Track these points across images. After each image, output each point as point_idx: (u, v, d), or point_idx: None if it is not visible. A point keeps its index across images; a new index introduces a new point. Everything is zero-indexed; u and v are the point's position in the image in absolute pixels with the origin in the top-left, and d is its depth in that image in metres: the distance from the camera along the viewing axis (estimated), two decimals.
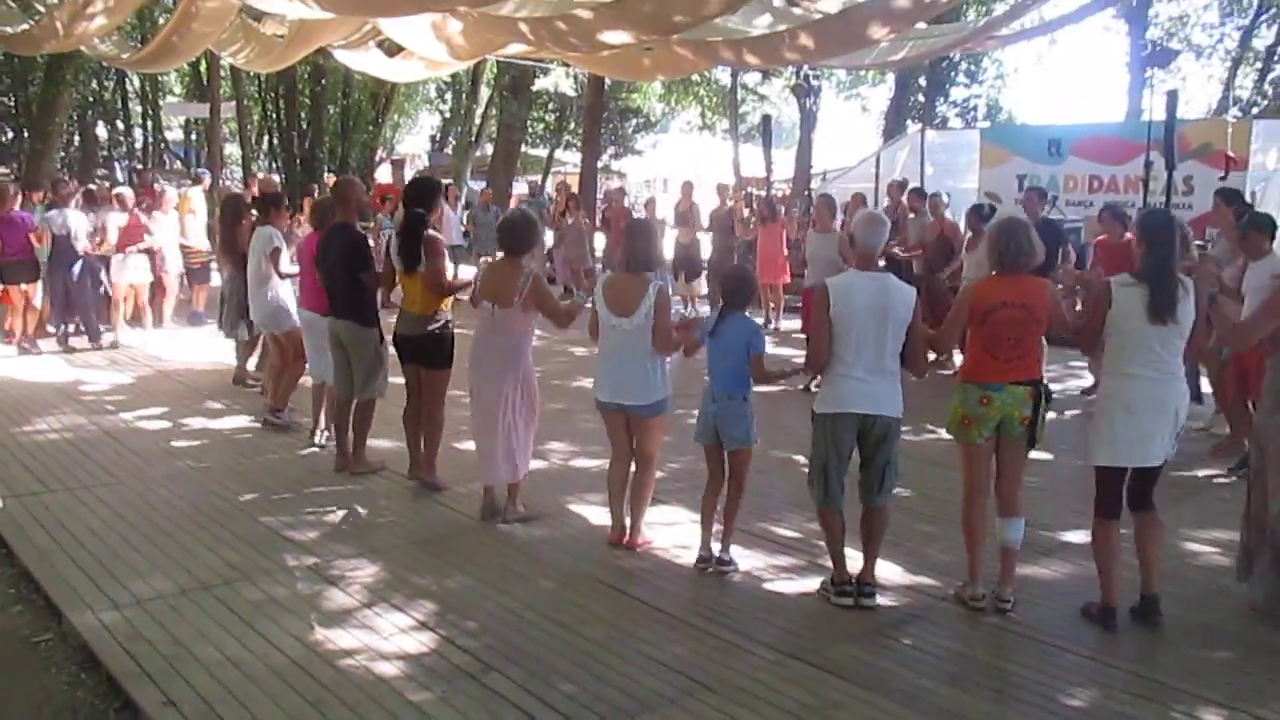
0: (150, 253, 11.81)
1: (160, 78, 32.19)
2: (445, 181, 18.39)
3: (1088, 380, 9.30)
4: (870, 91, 34.96)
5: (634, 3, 7.12)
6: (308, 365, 7.43)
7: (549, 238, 17.49)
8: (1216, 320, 4.86)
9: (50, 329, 11.26)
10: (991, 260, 4.68)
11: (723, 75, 29.13)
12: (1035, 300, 4.53)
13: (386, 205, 15.82)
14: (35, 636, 4.51)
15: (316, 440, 7.29)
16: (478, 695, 3.86)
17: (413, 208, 6.23)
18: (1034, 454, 4.75)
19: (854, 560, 4.81)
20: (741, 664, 4.15)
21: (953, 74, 29.45)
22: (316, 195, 16.28)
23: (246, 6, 9.41)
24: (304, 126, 28.92)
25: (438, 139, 38.88)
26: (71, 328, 11.23)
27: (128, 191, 11.97)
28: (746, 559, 5.22)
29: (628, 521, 5.45)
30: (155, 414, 8.28)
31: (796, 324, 12.07)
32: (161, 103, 34.25)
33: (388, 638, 4.33)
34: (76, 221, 10.75)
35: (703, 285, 14.22)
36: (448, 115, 36.18)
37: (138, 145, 37.85)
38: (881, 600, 4.75)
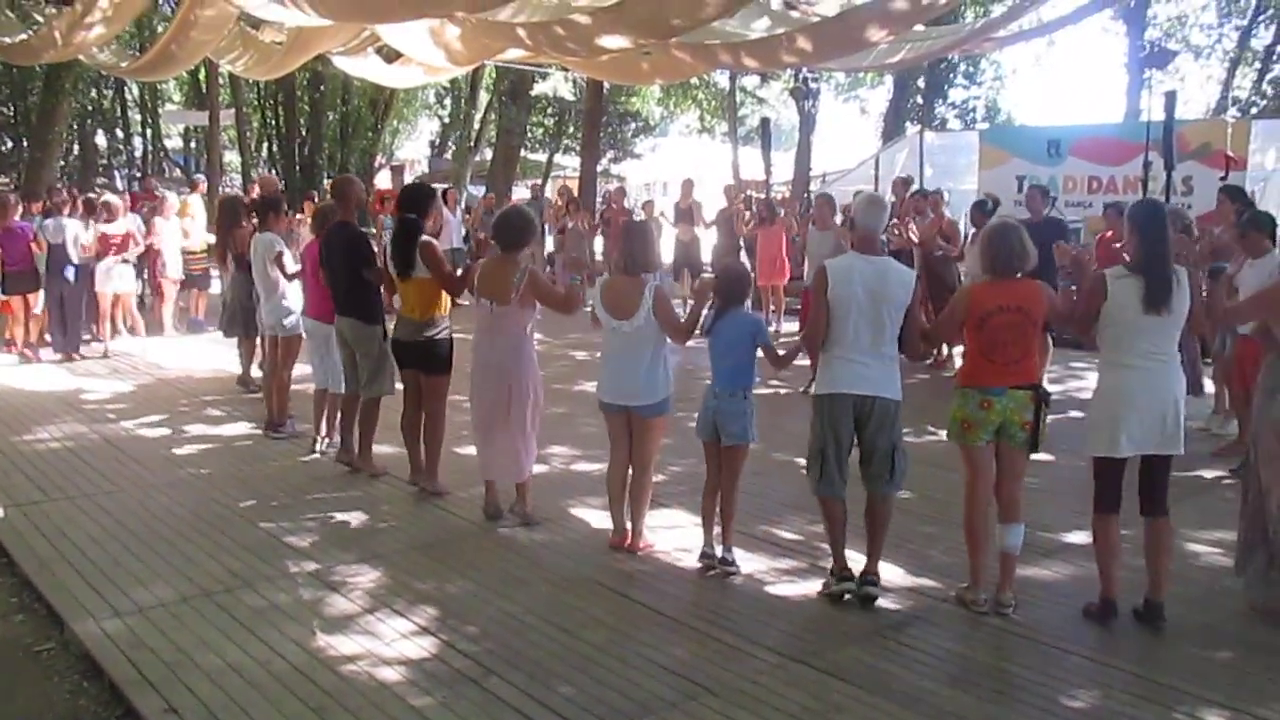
0: (144, 257, 11.82)
1: (159, 86, 32.28)
2: (445, 185, 18.50)
3: (1089, 381, 9.28)
4: (869, 93, 35.03)
5: (631, 7, 7.13)
6: (311, 372, 7.43)
7: (550, 242, 17.51)
8: (1210, 297, 4.86)
9: (47, 338, 11.28)
10: (985, 265, 4.68)
11: (721, 78, 29.13)
12: (1031, 303, 4.53)
13: (386, 206, 15.84)
14: (37, 645, 4.51)
15: (318, 448, 7.30)
16: (479, 700, 3.86)
17: (405, 214, 6.25)
18: (1035, 455, 4.75)
19: (855, 562, 4.81)
20: (743, 667, 4.14)
21: (951, 76, 29.50)
22: (317, 199, 16.33)
23: (245, 14, 9.43)
24: (303, 133, 28.99)
25: (437, 144, 38.96)
26: (87, 335, 11.24)
27: (114, 199, 11.90)
28: (748, 562, 5.22)
29: (629, 525, 5.45)
30: (156, 421, 8.29)
31: (796, 325, 12.05)
32: (161, 111, 34.34)
33: (389, 643, 4.33)
34: (72, 229, 10.77)
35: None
36: (447, 120, 36.26)
37: (137, 154, 37.89)
38: (883, 602, 4.75)
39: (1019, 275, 4.61)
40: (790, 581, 5.07)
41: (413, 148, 43.15)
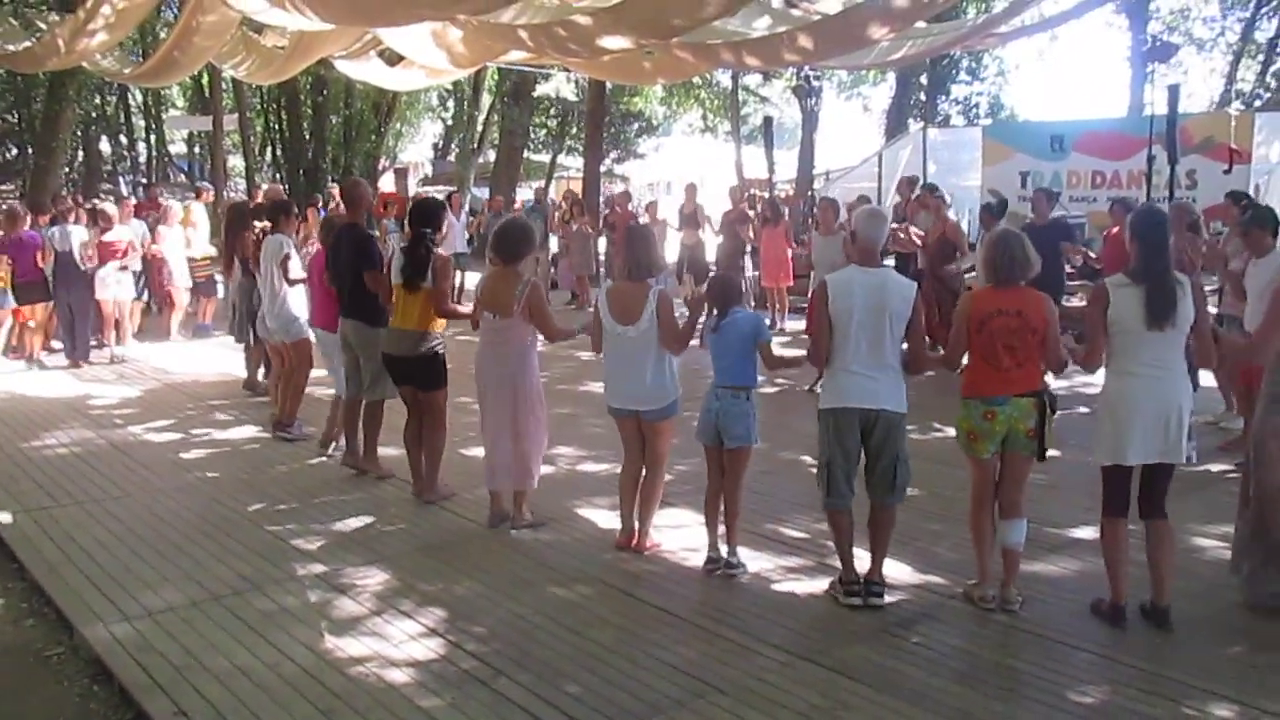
0: (147, 265, 11.85)
1: (163, 92, 32.35)
2: (450, 190, 18.50)
3: (1095, 377, 9.25)
4: (872, 91, 34.99)
5: (633, 7, 7.13)
6: (334, 379, 7.39)
7: (554, 244, 17.50)
8: (1227, 352, 4.82)
9: (55, 344, 11.31)
10: (987, 273, 4.68)
11: (724, 77, 29.15)
12: (1030, 309, 4.52)
13: (390, 210, 15.87)
14: (47, 650, 4.53)
15: (327, 451, 7.31)
16: (487, 701, 3.87)
17: (420, 228, 6.25)
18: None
19: (863, 561, 4.81)
20: (751, 665, 4.15)
21: (954, 72, 29.43)
22: (320, 204, 16.35)
23: (247, 19, 9.46)
24: (307, 137, 28.99)
25: (440, 146, 38.99)
26: (94, 341, 11.29)
27: (110, 207, 11.91)
28: (755, 560, 5.23)
29: (636, 525, 5.46)
30: (163, 426, 8.31)
31: (801, 324, 12.04)
32: (164, 116, 34.39)
33: (397, 645, 4.35)
34: (78, 237, 10.80)
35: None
36: (450, 123, 36.29)
37: (142, 159, 37.98)
38: (890, 599, 4.75)
39: (1022, 284, 4.61)
40: (797, 580, 5.07)
41: (416, 150, 43.16)
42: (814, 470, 4.92)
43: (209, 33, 9.55)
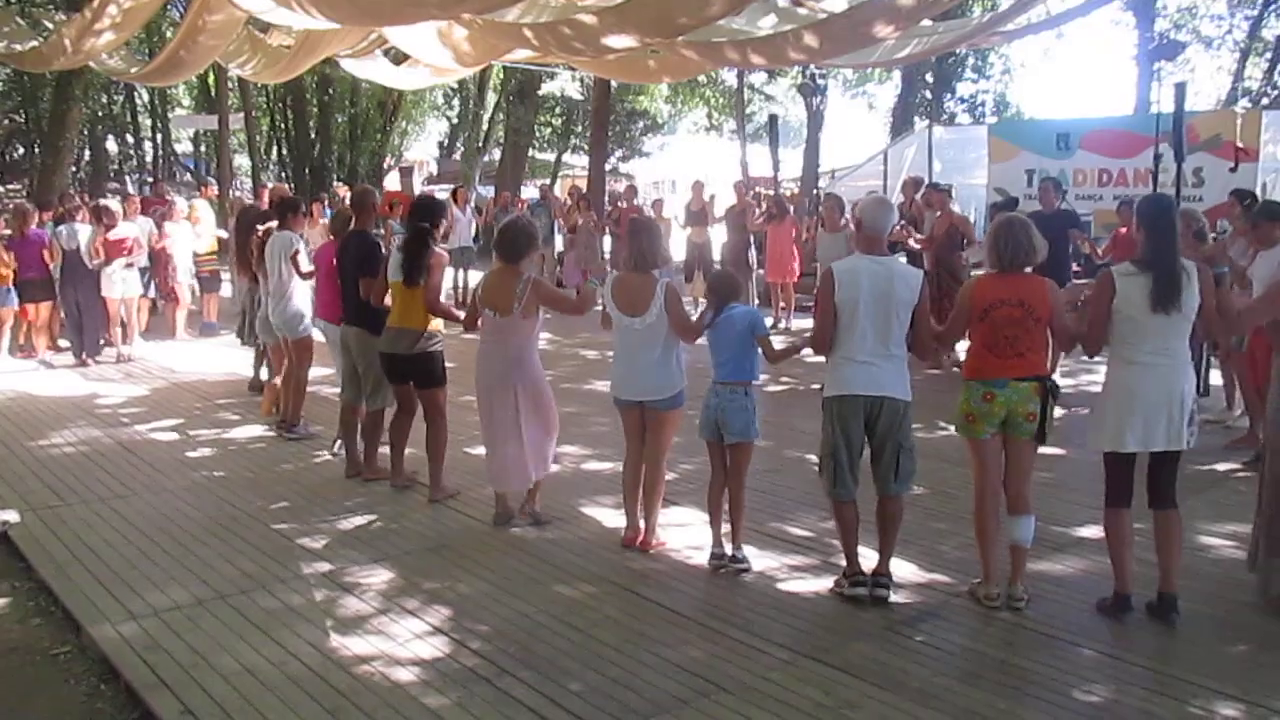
0: (154, 262, 11.87)
1: (169, 91, 32.42)
2: (455, 185, 18.48)
3: (1101, 375, 9.24)
4: (877, 89, 34.92)
5: (638, 6, 7.14)
6: (330, 373, 7.44)
7: (559, 241, 17.50)
8: (1222, 308, 4.83)
9: (62, 344, 11.35)
10: (991, 260, 4.67)
11: (729, 76, 29.14)
12: (1034, 298, 4.51)
13: (395, 211, 15.87)
14: (54, 649, 4.54)
15: (333, 450, 7.33)
16: (492, 699, 3.87)
17: (419, 222, 6.26)
18: (1048, 449, 4.73)
19: (869, 559, 4.81)
20: (755, 664, 4.15)
21: (960, 70, 29.36)
22: (326, 202, 16.37)
23: (253, 19, 9.48)
24: (312, 135, 29.05)
25: (446, 145, 39.02)
26: (101, 341, 11.32)
27: (114, 205, 11.91)
28: (759, 559, 5.23)
29: (642, 522, 5.46)
30: (169, 425, 8.33)
31: (809, 322, 12.03)
32: (170, 115, 34.50)
33: (403, 643, 4.35)
34: (85, 235, 10.83)
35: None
36: (455, 121, 36.29)
37: (148, 158, 38.08)
38: (895, 598, 4.74)
39: (1027, 270, 4.60)
40: (802, 578, 5.07)
41: (421, 149, 43.19)
42: (817, 464, 4.91)
43: (215, 32, 9.58)
